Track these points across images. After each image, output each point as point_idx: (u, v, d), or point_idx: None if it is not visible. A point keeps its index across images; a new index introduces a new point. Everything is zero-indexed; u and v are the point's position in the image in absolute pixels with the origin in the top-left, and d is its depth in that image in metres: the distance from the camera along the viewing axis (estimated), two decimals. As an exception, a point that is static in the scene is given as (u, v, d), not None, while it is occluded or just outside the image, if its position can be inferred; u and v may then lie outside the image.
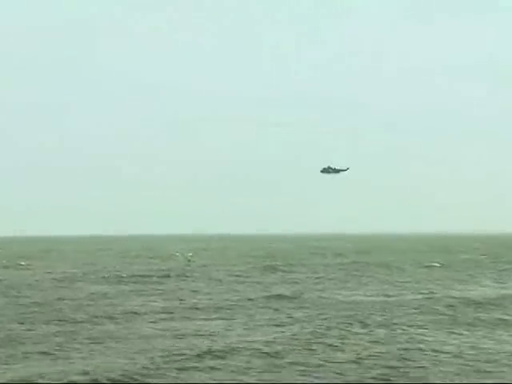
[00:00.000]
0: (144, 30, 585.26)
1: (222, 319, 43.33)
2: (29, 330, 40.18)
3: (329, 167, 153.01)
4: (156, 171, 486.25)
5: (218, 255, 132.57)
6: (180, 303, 51.71)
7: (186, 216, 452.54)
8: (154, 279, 73.62)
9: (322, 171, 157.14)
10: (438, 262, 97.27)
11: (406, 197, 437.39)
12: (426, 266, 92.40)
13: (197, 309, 48.50)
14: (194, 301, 52.93)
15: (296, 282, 68.68)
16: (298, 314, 44.74)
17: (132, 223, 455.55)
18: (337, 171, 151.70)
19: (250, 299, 53.28)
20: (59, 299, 54.37)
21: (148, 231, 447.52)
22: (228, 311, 47.07)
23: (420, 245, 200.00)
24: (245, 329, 39.42)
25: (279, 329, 39.25)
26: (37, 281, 71.64)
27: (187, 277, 76.23)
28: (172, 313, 46.58)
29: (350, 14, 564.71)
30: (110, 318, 44.16)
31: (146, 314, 46.31)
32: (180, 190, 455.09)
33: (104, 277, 75.61)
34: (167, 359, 31.13)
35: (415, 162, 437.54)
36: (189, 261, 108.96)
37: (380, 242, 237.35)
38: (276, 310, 47.68)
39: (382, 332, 38.06)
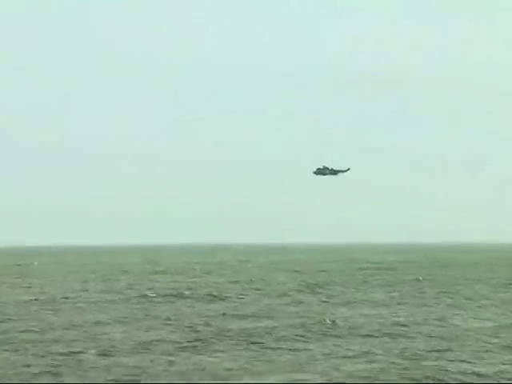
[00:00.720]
0: (145, 29, 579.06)
1: (260, 353, 37.84)
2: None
3: (324, 167, 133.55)
4: (156, 171, 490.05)
5: (237, 270, 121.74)
6: (203, 332, 45.42)
7: (186, 218, 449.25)
8: (166, 299, 65.83)
9: (315, 172, 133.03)
10: None
11: (407, 197, 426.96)
12: (509, 285, 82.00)
13: (224, 340, 42.16)
14: (223, 328, 46.79)
15: (345, 304, 61.31)
16: (352, 346, 39.53)
17: (132, 228, 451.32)
18: (334, 172, 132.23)
19: (292, 325, 47.15)
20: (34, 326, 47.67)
21: (148, 239, 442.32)
22: (267, 340, 41.22)
23: (479, 257, 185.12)
24: (292, 367, 34.27)
25: (336, 363, 34.42)
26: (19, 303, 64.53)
27: (215, 296, 68.57)
28: (191, 344, 40.59)
29: (350, 14, 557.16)
30: (116, 351, 38.46)
31: (160, 343, 40.43)
32: (180, 190, 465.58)
33: (104, 300, 68.09)
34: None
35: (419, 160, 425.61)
36: (200, 276, 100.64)
37: (423, 254, 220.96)
38: (326, 341, 41.76)
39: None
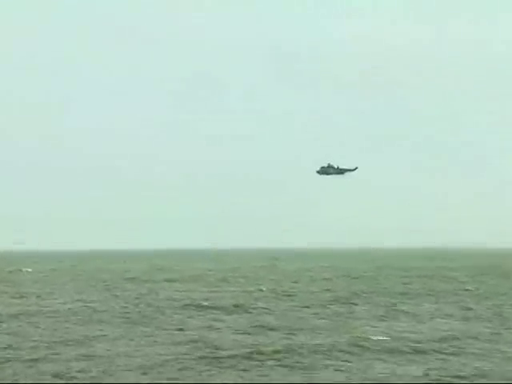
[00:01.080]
0: (145, 29, 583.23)
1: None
2: None
3: (329, 166, 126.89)
4: (156, 171, 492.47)
5: (256, 278, 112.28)
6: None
7: (186, 219, 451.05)
8: (182, 310, 60.34)
9: (319, 172, 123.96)
10: None
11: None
12: None
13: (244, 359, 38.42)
14: (247, 343, 42.71)
15: (385, 317, 56.03)
16: (394, 365, 35.62)
17: (131, 230, 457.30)
18: (340, 171, 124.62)
19: (325, 340, 42.82)
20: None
21: (148, 243, 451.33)
22: (295, 356, 36.86)
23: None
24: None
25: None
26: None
27: (237, 307, 63.63)
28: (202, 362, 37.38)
29: (350, 14, 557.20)
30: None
31: (176, 360, 36.36)
32: (180, 190, 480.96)
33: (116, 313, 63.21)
34: None
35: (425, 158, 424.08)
36: (217, 285, 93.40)
37: (455, 259, 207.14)
38: (364, 359, 37.87)
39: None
